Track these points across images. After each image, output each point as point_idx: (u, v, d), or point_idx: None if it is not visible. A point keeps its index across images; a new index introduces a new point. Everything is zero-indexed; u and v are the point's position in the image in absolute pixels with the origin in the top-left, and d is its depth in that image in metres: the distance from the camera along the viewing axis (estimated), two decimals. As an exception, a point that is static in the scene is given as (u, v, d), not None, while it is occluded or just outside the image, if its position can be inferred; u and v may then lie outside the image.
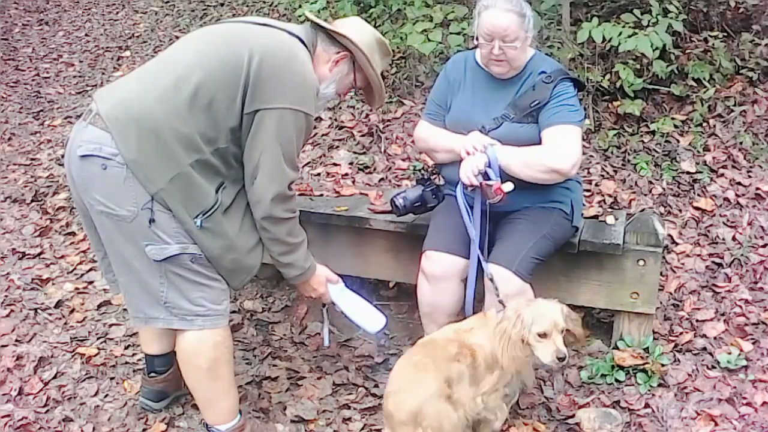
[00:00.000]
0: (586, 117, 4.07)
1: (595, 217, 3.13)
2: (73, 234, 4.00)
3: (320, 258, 2.60)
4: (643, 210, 3.62)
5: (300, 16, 4.86)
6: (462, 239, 2.63)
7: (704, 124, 4.14)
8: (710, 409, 2.65)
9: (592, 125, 4.22)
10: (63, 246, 3.92)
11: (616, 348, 2.96)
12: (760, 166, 3.86)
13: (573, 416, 2.68)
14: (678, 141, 4.07)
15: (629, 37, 3.79)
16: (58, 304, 3.41)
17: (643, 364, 2.84)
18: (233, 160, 2.31)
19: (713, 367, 2.85)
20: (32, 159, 4.91)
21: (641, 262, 2.83)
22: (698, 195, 3.77)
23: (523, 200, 2.62)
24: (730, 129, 4.08)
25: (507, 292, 2.45)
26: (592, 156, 4.08)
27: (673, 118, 4.16)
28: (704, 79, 4.21)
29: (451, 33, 4.29)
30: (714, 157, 3.94)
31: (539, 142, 2.59)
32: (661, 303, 3.14)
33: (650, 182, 3.88)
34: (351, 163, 4.32)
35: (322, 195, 3.51)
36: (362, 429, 2.68)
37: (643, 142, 4.13)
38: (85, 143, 2.20)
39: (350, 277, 2.90)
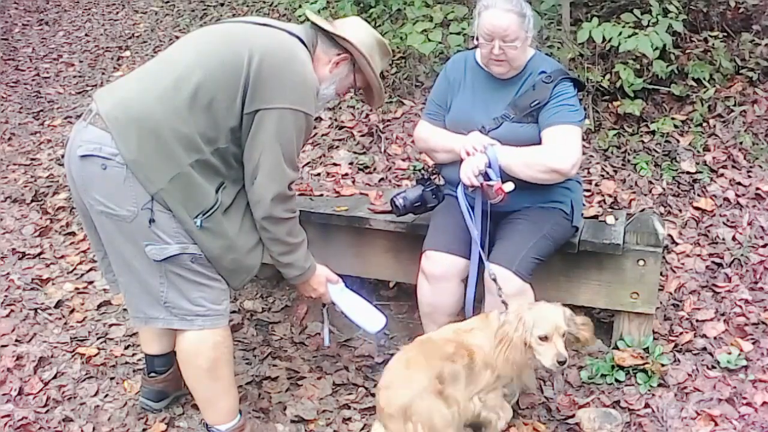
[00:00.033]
0: (586, 117, 4.07)
1: (595, 217, 3.13)
2: (73, 234, 4.00)
3: (320, 258, 2.60)
4: (643, 210, 3.62)
5: (300, 16, 4.86)
6: (462, 239, 2.63)
7: (704, 124, 4.14)
8: (710, 409, 2.65)
9: (592, 125, 4.22)
10: (63, 246, 3.92)
11: (616, 348, 2.96)
12: (760, 166, 3.86)
13: (573, 416, 2.68)
14: (678, 141, 4.07)
15: (629, 37, 3.79)
16: (58, 304, 3.41)
17: (643, 364, 2.85)
18: (233, 160, 2.31)
19: (713, 367, 2.85)
20: (32, 159, 4.91)
21: (641, 262, 2.83)
22: (698, 195, 3.77)
23: (523, 200, 2.62)
24: (730, 129, 4.08)
25: (507, 292, 2.45)
26: (592, 156, 4.08)
27: (673, 118, 4.16)
28: (704, 79, 4.21)
29: (451, 33, 4.29)
30: (714, 157, 3.94)
31: (539, 142, 2.59)
32: (661, 303, 3.14)
33: (650, 182, 3.88)
34: (351, 163, 4.32)
35: (322, 195, 3.51)
36: (362, 429, 2.68)
37: (643, 142, 4.13)
38: (85, 143, 2.20)
39: (350, 277, 2.90)
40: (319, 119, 4.69)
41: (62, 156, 3.93)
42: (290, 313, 3.39)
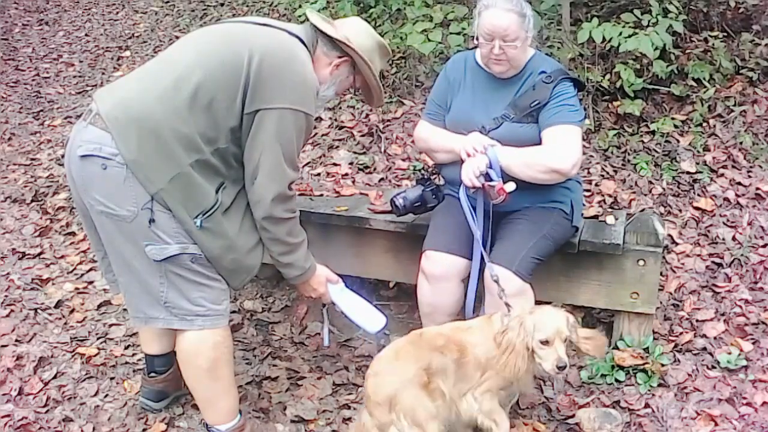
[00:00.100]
0: (586, 117, 4.07)
1: (595, 217, 3.13)
2: (73, 234, 4.00)
3: (320, 258, 2.60)
4: (643, 210, 3.62)
5: (300, 16, 4.86)
6: (462, 239, 2.63)
7: (704, 124, 4.14)
8: (710, 409, 2.65)
9: (592, 125, 4.22)
10: (63, 246, 3.92)
11: (616, 348, 2.95)
12: (760, 166, 3.86)
13: (573, 416, 2.68)
14: (678, 141, 4.07)
15: (629, 37, 3.79)
16: (58, 304, 3.41)
17: (643, 364, 2.84)
18: (233, 160, 2.31)
19: (713, 367, 2.85)
20: (32, 159, 4.91)
21: (641, 262, 2.83)
22: (698, 195, 3.77)
23: (523, 200, 2.61)
24: (730, 129, 4.08)
25: (507, 292, 2.44)
26: (592, 156, 4.08)
27: (673, 118, 4.16)
28: (704, 79, 4.21)
29: (451, 33, 4.29)
30: (714, 157, 3.94)
31: (539, 142, 2.59)
32: (661, 303, 3.14)
33: (650, 182, 3.88)
34: (351, 163, 4.32)
35: (322, 195, 3.51)
36: (362, 429, 2.68)
37: (643, 142, 4.13)
38: (85, 143, 2.20)
39: (350, 277, 2.90)
40: (319, 119, 4.69)
41: (62, 156, 3.93)
42: (290, 313, 3.39)
